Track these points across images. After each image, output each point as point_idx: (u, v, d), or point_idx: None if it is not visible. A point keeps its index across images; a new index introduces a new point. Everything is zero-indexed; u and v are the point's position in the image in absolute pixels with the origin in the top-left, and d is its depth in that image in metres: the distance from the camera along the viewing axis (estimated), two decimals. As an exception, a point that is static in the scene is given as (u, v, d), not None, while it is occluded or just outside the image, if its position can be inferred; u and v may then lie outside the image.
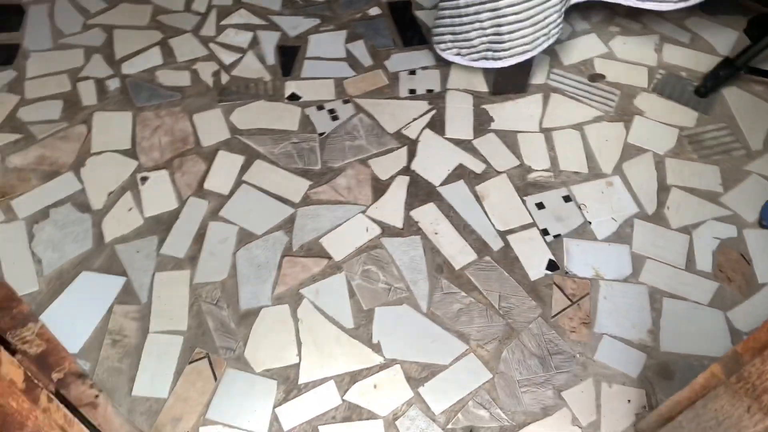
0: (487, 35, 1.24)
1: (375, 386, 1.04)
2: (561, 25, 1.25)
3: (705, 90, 1.41)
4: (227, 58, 1.48)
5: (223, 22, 1.56)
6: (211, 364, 1.06)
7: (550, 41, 1.25)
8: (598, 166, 1.30)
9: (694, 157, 1.32)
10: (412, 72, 1.46)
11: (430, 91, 1.42)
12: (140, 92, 1.41)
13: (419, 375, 1.05)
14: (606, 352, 1.07)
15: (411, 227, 1.22)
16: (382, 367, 1.06)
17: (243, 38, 1.52)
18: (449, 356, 1.07)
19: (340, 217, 1.23)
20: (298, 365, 1.06)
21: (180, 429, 1.00)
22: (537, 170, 1.29)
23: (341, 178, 1.28)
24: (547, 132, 1.35)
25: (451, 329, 1.10)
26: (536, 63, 1.45)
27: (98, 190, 1.26)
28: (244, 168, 1.29)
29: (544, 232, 1.21)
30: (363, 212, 1.23)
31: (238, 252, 1.18)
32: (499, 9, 1.18)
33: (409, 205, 1.25)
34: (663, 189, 1.27)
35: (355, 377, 1.05)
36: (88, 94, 1.41)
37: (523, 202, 1.25)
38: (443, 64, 1.47)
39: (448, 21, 1.28)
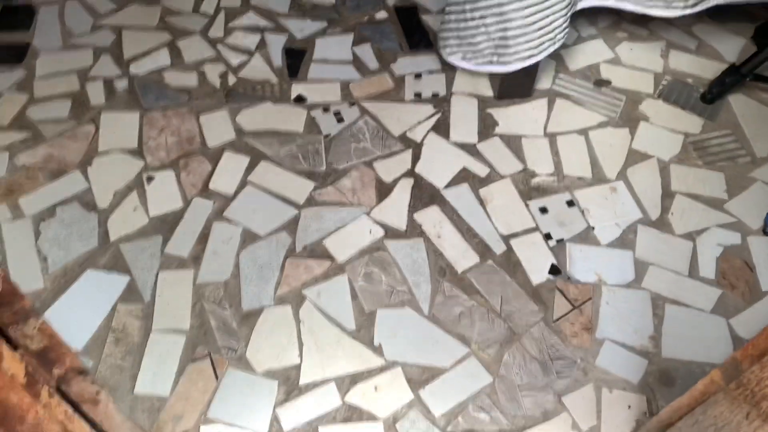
0: (492, 40, 1.24)
1: (375, 388, 1.04)
2: (567, 30, 1.25)
3: (711, 97, 1.40)
4: (235, 59, 1.49)
5: (231, 24, 1.57)
6: (212, 363, 1.06)
7: (556, 46, 1.25)
8: (602, 172, 1.30)
9: (699, 163, 1.32)
10: (418, 75, 1.46)
11: (435, 94, 1.43)
12: (148, 93, 1.42)
13: (420, 377, 1.05)
14: (607, 357, 1.07)
15: (414, 230, 1.22)
16: (382, 369, 1.06)
17: (251, 40, 1.53)
18: (450, 359, 1.07)
19: (344, 218, 1.23)
20: (299, 366, 1.06)
21: (181, 427, 1.00)
22: (541, 175, 1.29)
23: (346, 180, 1.29)
24: (551, 137, 1.35)
25: (452, 332, 1.10)
26: (542, 68, 1.46)
27: (104, 189, 1.27)
28: (249, 169, 1.30)
29: (547, 237, 1.21)
30: (367, 214, 1.24)
31: (242, 252, 1.18)
32: (505, 14, 1.18)
33: (413, 207, 1.25)
34: (667, 195, 1.27)
35: (355, 379, 1.05)
36: (96, 94, 1.42)
37: (527, 206, 1.25)
38: (449, 68, 1.47)
39: (454, 25, 1.29)
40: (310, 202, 1.26)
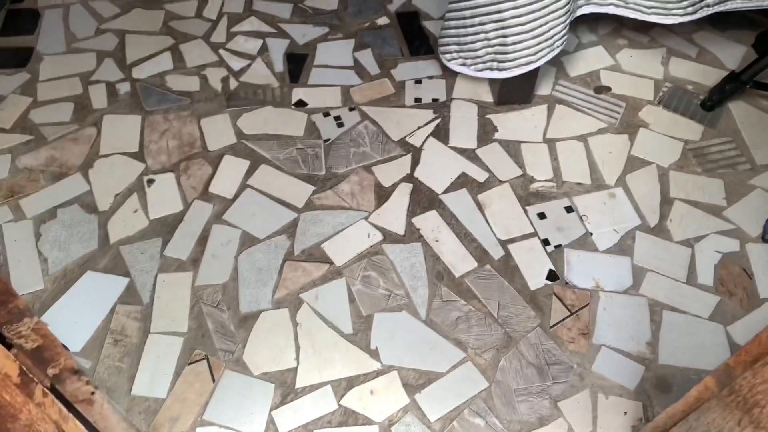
0: (492, 46, 1.25)
1: (371, 392, 1.04)
2: (566, 37, 1.26)
3: (711, 104, 1.40)
4: (236, 64, 1.50)
5: (233, 29, 1.58)
6: (209, 365, 1.07)
7: (555, 52, 1.25)
8: (602, 178, 1.30)
9: (699, 170, 1.32)
10: (418, 81, 1.47)
11: (435, 100, 1.43)
12: (150, 96, 1.43)
13: (416, 382, 1.05)
14: (604, 363, 1.07)
15: (412, 234, 1.22)
16: (379, 373, 1.06)
17: (252, 45, 1.54)
18: (447, 364, 1.07)
19: (343, 222, 1.24)
20: (295, 369, 1.06)
21: (177, 429, 1.01)
22: (540, 180, 1.30)
23: (345, 184, 1.29)
24: (550, 143, 1.36)
25: (449, 337, 1.10)
26: (542, 74, 1.46)
27: (105, 191, 1.28)
28: (249, 172, 1.31)
29: (545, 242, 1.21)
30: (365, 218, 1.24)
31: (240, 255, 1.19)
32: (504, 20, 1.19)
33: (412, 212, 1.25)
34: (666, 202, 1.27)
35: (352, 382, 1.05)
36: (98, 97, 1.43)
37: (525, 211, 1.25)
38: (449, 74, 1.48)
39: (453, 31, 1.29)
40: (309, 205, 1.26)
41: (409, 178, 1.30)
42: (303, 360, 1.07)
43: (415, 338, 1.10)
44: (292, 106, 1.42)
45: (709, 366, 1.06)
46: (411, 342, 1.09)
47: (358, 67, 1.50)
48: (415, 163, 1.33)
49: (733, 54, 1.53)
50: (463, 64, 1.33)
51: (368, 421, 1.01)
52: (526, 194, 1.28)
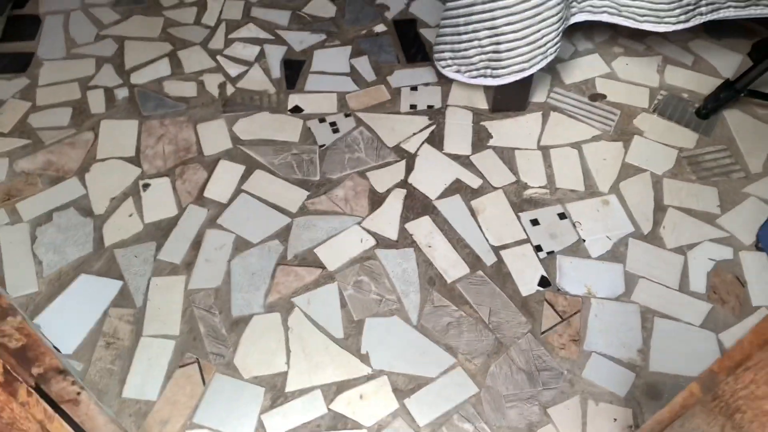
0: (485, 53, 1.26)
1: (361, 396, 1.04)
2: (559, 44, 1.26)
3: (706, 112, 1.41)
4: (234, 70, 1.51)
5: (231, 36, 1.59)
6: (200, 369, 1.07)
7: (548, 60, 1.26)
8: (595, 185, 1.31)
9: (693, 178, 1.32)
10: (414, 88, 1.48)
11: (430, 106, 1.44)
12: (147, 101, 1.45)
13: (406, 387, 1.05)
14: (594, 369, 1.07)
15: (405, 239, 1.23)
16: (369, 378, 1.06)
17: (250, 51, 1.56)
18: (437, 369, 1.07)
19: (336, 227, 1.24)
20: (286, 373, 1.07)
21: (166, 432, 1.01)
22: (533, 187, 1.30)
23: (339, 189, 1.30)
24: (545, 149, 1.36)
25: (439, 342, 1.10)
26: (537, 82, 1.47)
27: (101, 195, 1.29)
28: (244, 177, 1.31)
29: (538, 249, 1.21)
30: (359, 223, 1.25)
31: (233, 260, 1.20)
32: (497, 27, 1.20)
33: (405, 217, 1.26)
34: (659, 209, 1.27)
35: (341, 387, 1.05)
36: (96, 102, 1.44)
37: (518, 218, 1.25)
38: (445, 81, 1.48)
39: (448, 39, 1.30)
40: (303, 210, 1.27)
41: (404, 183, 1.31)
42: (293, 364, 1.08)
43: (405, 343, 1.10)
44: (288, 112, 1.43)
45: (700, 373, 1.05)
46: (401, 347, 1.10)
47: (354, 74, 1.51)
48: (409, 169, 1.33)
49: (728, 62, 1.54)
50: (458, 71, 1.34)
51: (357, 426, 1.02)
52: (520, 201, 1.28)
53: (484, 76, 1.30)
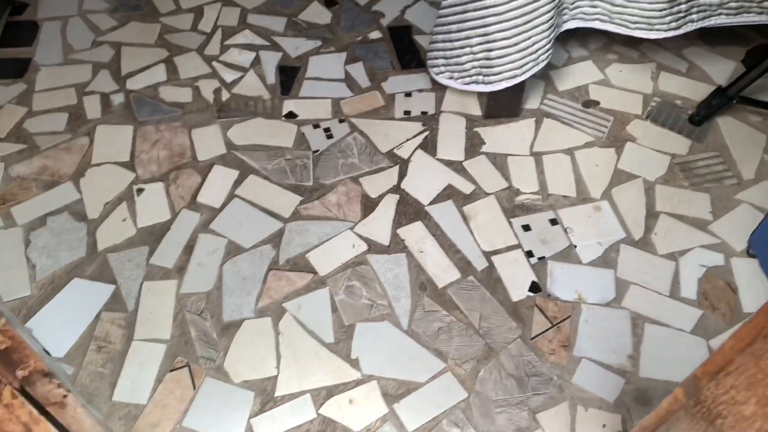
0: (477, 60, 1.26)
1: (351, 401, 1.05)
2: (550, 51, 1.27)
3: (699, 118, 1.41)
4: (229, 76, 1.52)
5: (227, 42, 1.60)
6: (191, 373, 1.07)
7: (539, 66, 1.27)
8: (587, 191, 1.31)
9: (685, 184, 1.32)
10: (408, 94, 1.48)
11: (424, 113, 1.45)
12: (143, 107, 1.45)
13: (395, 392, 1.06)
14: (584, 375, 1.07)
15: (397, 245, 1.23)
16: (358, 383, 1.07)
17: (245, 58, 1.57)
18: (426, 374, 1.07)
19: (328, 232, 1.25)
20: (275, 378, 1.07)
21: (156, 436, 1.01)
22: (525, 193, 1.30)
23: (332, 194, 1.30)
24: (537, 156, 1.37)
25: (430, 347, 1.10)
26: (531, 88, 1.47)
27: (95, 200, 1.29)
28: (238, 182, 1.32)
29: (529, 254, 1.21)
30: (351, 229, 1.25)
31: (225, 264, 1.20)
32: (489, 34, 1.20)
33: (397, 223, 1.26)
34: (651, 215, 1.27)
35: (331, 391, 1.06)
36: (92, 107, 1.45)
37: (510, 223, 1.26)
38: (439, 87, 1.49)
39: (440, 45, 1.31)
40: (296, 216, 1.27)
41: (396, 189, 1.31)
42: (283, 368, 1.08)
43: (396, 348, 1.10)
44: (283, 118, 1.44)
45: (690, 379, 1.06)
46: (392, 352, 1.10)
47: (349, 80, 1.52)
48: (402, 174, 1.34)
49: (723, 69, 1.54)
50: (451, 78, 1.35)
51: (346, 430, 1.02)
52: (512, 206, 1.28)
53: (477, 82, 1.31)
